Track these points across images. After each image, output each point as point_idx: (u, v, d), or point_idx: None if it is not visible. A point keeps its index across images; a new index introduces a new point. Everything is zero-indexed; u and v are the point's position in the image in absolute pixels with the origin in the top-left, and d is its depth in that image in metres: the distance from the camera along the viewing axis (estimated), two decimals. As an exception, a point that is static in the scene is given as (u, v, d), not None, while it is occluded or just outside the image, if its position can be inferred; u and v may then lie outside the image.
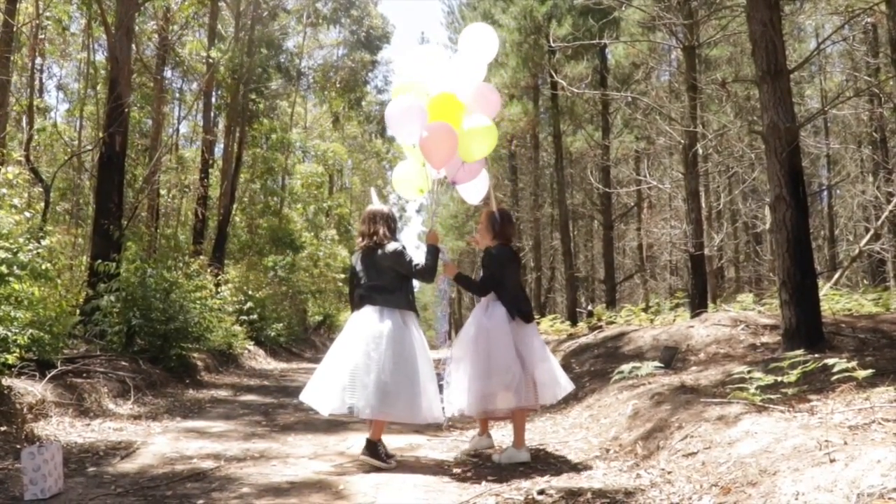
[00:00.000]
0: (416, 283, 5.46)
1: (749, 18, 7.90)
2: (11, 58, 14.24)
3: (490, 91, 5.79)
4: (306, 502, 4.23)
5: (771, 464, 3.56)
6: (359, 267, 5.32)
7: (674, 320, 13.25)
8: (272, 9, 24.81)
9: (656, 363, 7.41)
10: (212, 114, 22.60)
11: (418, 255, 5.35)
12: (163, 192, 21.78)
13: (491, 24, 21.07)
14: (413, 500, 4.24)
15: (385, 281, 5.19)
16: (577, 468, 4.92)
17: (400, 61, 5.91)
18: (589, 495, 4.05)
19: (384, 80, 38.49)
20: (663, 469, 4.38)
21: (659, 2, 14.40)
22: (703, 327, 9.35)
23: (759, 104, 8.01)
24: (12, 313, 6.47)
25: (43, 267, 6.85)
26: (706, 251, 13.72)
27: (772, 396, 4.69)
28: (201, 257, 16.31)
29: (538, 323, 19.96)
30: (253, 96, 22.71)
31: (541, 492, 4.19)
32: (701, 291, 13.34)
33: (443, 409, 5.24)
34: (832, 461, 3.22)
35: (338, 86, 32.53)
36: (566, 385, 5.40)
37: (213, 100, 22.52)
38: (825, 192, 23.85)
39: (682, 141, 13.78)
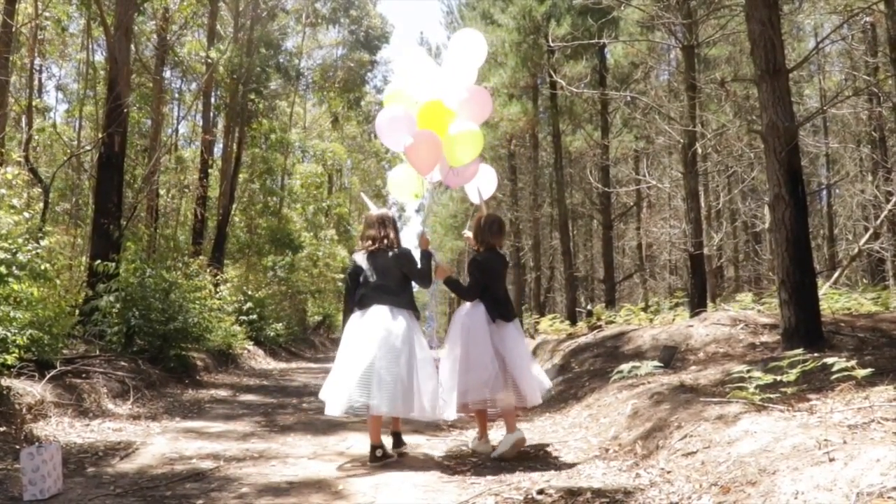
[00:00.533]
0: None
1: (748, 18, 7.90)
2: (10, 58, 14.24)
3: (479, 93, 5.89)
4: (305, 502, 4.23)
5: (770, 463, 3.56)
6: (366, 266, 5.47)
7: (673, 320, 13.25)
8: (271, 9, 24.81)
9: (656, 363, 7.42)
10: (211, 114, 22.60)
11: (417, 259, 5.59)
12: (162, 192, 21.79)
13: (490, 24, 21.19)
14: (412, 500, 4.24)
15: (392, 282, 5.39)
16: (576, 468, 4.92)
17: (394, 66, 6.08)
18: (588, 495, 4.05)
19: (383, 80, 38.50)
20: (663, 468, 4.37)
21: (658, 1, 14.39)
22: (703, 327, 9.34)
23: (758, 103, 8.01)
24: (11, 314, 6.47)
25: (42, 267, 6.85)
26: (705, 250, 13.73)
27: (771, 396, 4.69)
28: (200, 257, 16.31)
29: (538, 323, 20.05)
30: (252, 96, 22.72)
31: (540, 491, 4.19)
32: (700, 291, 13.34)
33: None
34: (831, 460, 3.22)
35: (337, 86, 32.53)
36: (545, 382, 5.69)
37: (213, 100, 22.53)
38: (824, 192, 23.85)
39: (682, 140, 13.79)
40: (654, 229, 20.02)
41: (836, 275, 15.09)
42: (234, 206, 23.01)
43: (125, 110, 12.70)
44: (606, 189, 20.10)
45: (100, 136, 13.04)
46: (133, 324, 10.40)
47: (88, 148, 17.07)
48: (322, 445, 6.20)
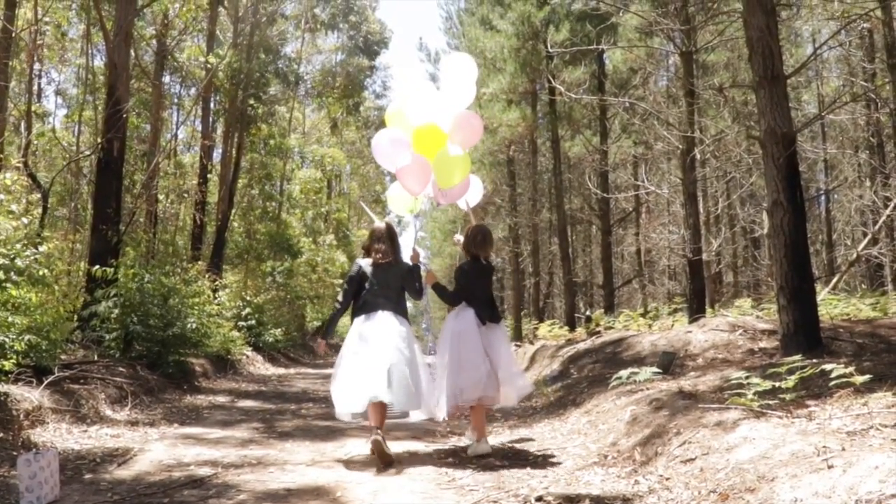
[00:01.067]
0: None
1: (746, 24, 7.92)
2: (10, 63, 14.25)
3: (471, 118, 6.32)
4: (304, 509, 4.22)
5: (769, 470, 3.55)
6: (370, 275, 5.87)
7: (672, 325, 13.25)
8: (270, 14, 24.85)
9: (654, 369, 7.40)
10: (210, 119, 22.61)
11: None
12: (161, 197, 21.78)
13: (488, 30, 21.21)
14: (411, 507, 4.24)
15: (393, 293, 5.85)
16: (575, 474, 4.91)
17: (394, 82, 6.58)
18: (587, 502, 4.05)
19: (382, 86, 38.61)
20: (661, 475, 4.37)
21: (656, 7, 14.43)
22: (702, 332, 9.34)
23: (757, 109, 8.03)
24: (9, 319, 6.46)
25: (40, 273, 6.86)
26: (704, 256, 13.73)
27: (770, 402, 4.69)
28: (199, 263, 16.30)
29: (536, 328, 20.04)
30: (251, 101, 22.73)
31: (539, 498, 4.18)
32: (699, 296, 13.34)
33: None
34: (830, 467, 3.22)
35: (336, 91, 32.57)
36: (525, 386, 6.19)
37: (212, 105, 22.54)
38: (823, 197, 23.86)
39: (680, 146, 13.80)
40: (652, 235, 20.04)
41: (834, 280, 15.10)
42: (233, 211, 23.01)
43: (124, 116, 12.71)
44: (605, 195, 20.11)
45: (99, 141, 13.04)
46: (131, 329, 10.39)
47: (87, 153, 17.07)
48: (320, 452, 6.19)
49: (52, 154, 21.02)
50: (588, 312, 21.45)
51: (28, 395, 6.68)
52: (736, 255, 25.48)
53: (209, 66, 19.78)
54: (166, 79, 23.11)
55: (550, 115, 22.04)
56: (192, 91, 24.00)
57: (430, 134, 6.04)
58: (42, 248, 7.31)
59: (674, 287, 25.97)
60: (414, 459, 5.79)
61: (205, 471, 5.26)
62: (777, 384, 4.79)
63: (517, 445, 6.29)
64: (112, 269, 10.37)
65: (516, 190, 27.12)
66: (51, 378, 7.36)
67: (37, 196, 14.01)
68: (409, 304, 6.50)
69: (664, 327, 13.17)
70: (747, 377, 5.04)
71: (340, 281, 26.96)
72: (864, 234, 17.05)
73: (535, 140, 24.61)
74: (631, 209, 25.27)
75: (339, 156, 32.75)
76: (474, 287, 5.94)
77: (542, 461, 5.50)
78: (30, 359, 7.16)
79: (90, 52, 18.90)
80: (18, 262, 6.59)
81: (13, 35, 13.62)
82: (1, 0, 13.29)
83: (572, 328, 18.75)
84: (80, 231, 17.61)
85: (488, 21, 22.33)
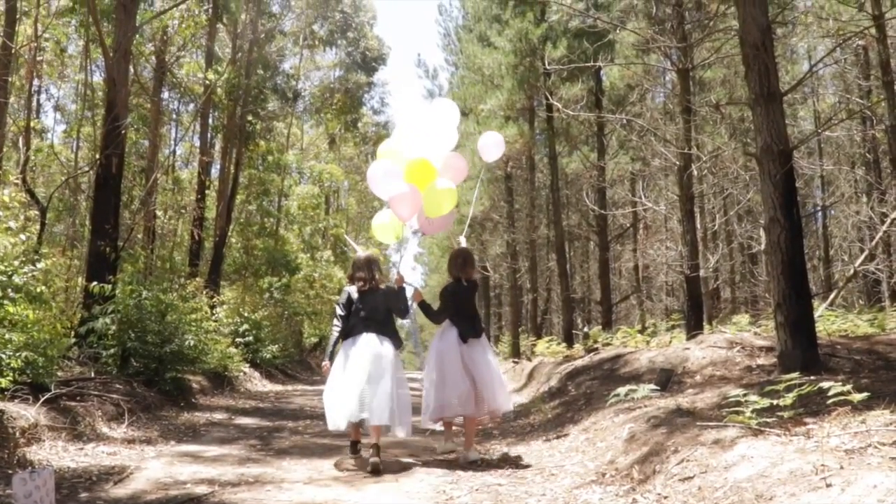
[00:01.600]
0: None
1: (742, 42, 7.96)
2: (10, 79, 14.28)
3: (458, 160, 7.04)
4: (301, 528, 4.20)
5: (767, 488, 3.55)
6: (356, 297, 6.43)
7: (670, 342, 13.24)
8: (269, 31, 24.96)
9: (652, 386, 7.40)
10: (208, 135, 22.67)
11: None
12: (159, 213, 21.79)
13: (486, 46, 21.34)
14: (408, 526, 4.22)
15: (379, 315, 6.37)
16: (573, 492, 4.90)
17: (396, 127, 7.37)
18: (585, 521, 4.03)
19: (380, 102, 38.73)
20: (659, 493, 4.36)
21: (653, 25, 14.50)
22: (699, 349, 9.34)
23: (753, 126, 8.06)
24: (6, 336, 6.45)
25: (38, 290, 6.85)
26: (702, 272, 13.74)
27: (768, 420, 4.68)
28: (197, 279, 16.28)
29: (534, 345, 20.02)
30: (250, 118, 22.79)
31: (536, 517, 4.17)
32: (696, 313, 13.33)
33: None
34: (828, 486, 3.22)
35: (334, 107, 32.64)
36: (504, 404, 6.52)
37: (210, 121, 22.59)
38: (820, 213, 23.92)
39: (678, 162, 13.84)
40: (650, 251, 20.04)
41: (832, 296, 15.11)
42: (230, 227, 23.01)
43: (123, 132, 12.74)
44: (603, 211, 20.15)
45: (97, 157, 13.06)
46: (129, 346, 10.37)
47: (86, 169, 17.09)
48: (318, 470, 6.17)
49: (51, 169, 21.04)
50: (586, 329, 21.45)
51: (24, 413, 6.66)
52: (734, 270, 25.51)
53: (208, 82, 19.86)
54: (165, 94, 23.18)
55: (548, 131, 22.13)
56: (191, 107, 24.06)
57: (421, 167, 6.60)
58: (40, 265, 7.31)
59: (671, 303, 25.97)
60: (412, 477, 5.77)
61: (202, 489, 5.23)
62: (775, 402, 4.79)
63: (515, 463, 6.27)
64: (110, 286, 10.36)
65: (514, 206, 27.20)
66: (47, 395, 7.33)
67: (34, 212, 14.00)
68: (407, 322, 7.19)
69: (662, 344, 13.17)
70: (745, 395, 5.03)
71: (338, 297, 26.88)
72: (862, 250, 17.07)
73: (532, 156, 24.70)
74: (629, 225, 25.31)
75: (337, 171, 32.78)
76: (457, 307, 6.43)
77: (540, 480, 5.49)
78: (26, 376, 7.14)
79: (89, 67, 18.94)
80: (16, 278, 6.59)
81: (13, 52, 13.67)
82: (1, 17, 13.35)
83: (570, 344, 18.75)
84: (78, 247, 17.60)
85: (486, 38, 22.46)
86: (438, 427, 6.84)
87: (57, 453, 6.38)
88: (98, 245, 11.97)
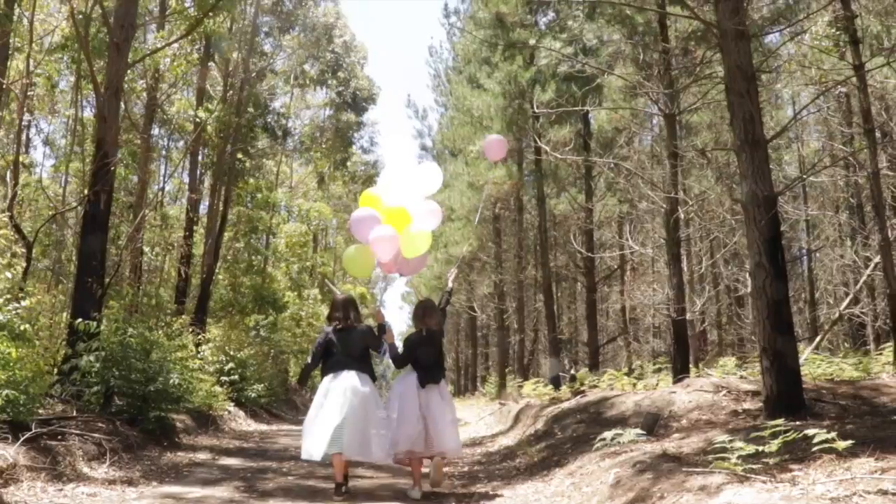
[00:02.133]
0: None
1: (727, 90, 8.11)
2: (1, 114, 14.30)
3: (435, 211, 7.53)
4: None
5: (752, 538, 3.54)
6: (335, 339, 6.89)
7: (656, 385, 13.24)
8: (261, 70, 25.16)
9: (638, 430, 7.39)
10: (198, 172, 22.69)
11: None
12: (146, 249, 21.71)
13: (476, 88, 21.56)
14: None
15: (356, 353, 6.85)
16: (558, 539, 4.86)
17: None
18: (570, 568, 4.00)
19: (370, 141, 38.94)
20: (645, 541, 4.34)
21: (640, 70, 14.72)
22: (685, 393, 9.34)
23: (739, 173, 8.17)
24: (-12, 374, 6.39)
25: (21, 328, 6.80)
26: (688, 315, 13.79)
27: (754, 466, 4.69)
28: (183, 317, 16.19)
29: (521, 386, 19.93)
30: (239, 155, 22.85)
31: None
32: (683, 356, 13.35)
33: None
34: (813, 536, 3.21)
35: (324, 146, 32.81)
36: (455, 448, 6.98)
37: (200, 158, 22.63)
38: (805, 256, 24.11)
39: (664, 206, 13.97)
40: (637, 293, 20.12)
41: (817, 339, 15.20)
42: (218, 264, 22.94)
43: (112, 169, 12.73)
44: (590, 254, 20.25)
45: (86, 193, 13.03)
46: (112, 384, 10.27)
47: (74, 205, 17.04)
48: (301, 513, 6.10)
49: (38, 203, 20.97)
50: (572, 371, 21.38)
51: (2, 452, 6.57)
52: (720, 313, 25.59)
53: (198, 119, 19.93)
54: (155, 131, 23.22)
55: (536, 173, 22.31)
56: (181, 144, 24.12)
57: (399, 213, 7.21)
58: (24, 303, 7.26)
59: (658, 345, 26.00)
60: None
61: (183, 532, 5.16)
62: (761, 448, 4.80)
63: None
64: (95, 323, 10.29)
65: (502, 247, 27.30)
66: (27, 434, 7.24)
67: (21, 249, 13.93)
68: (384, 360, 7.76)
69: (649, 386, 13.16)
70: (731, 440, 5.04)
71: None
72: (846, 294, 17.21)
73: (520, 197, 24.87)
74: (616, 267, 25.41)
75: (325, 210, 32.85)
76: (417, 354, 6.90)
77: (525, 524, 5.45)
78: (6, 414, 7.06)
79: (80, 102, 18.99)
80: (0, 316, 6.54)
81: (4, 87, 13.71)
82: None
83: (557, 386, 18.68)
84: (63, 282, 17.48)
85: (476, 80, 22.72)
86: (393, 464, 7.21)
87: (35, 494, 6.29)
88: (84, 281, 11.89)
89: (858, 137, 15.28)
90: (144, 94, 20.84)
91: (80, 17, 13.47)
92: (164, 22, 18.47)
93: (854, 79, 11.57)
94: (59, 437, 8.03)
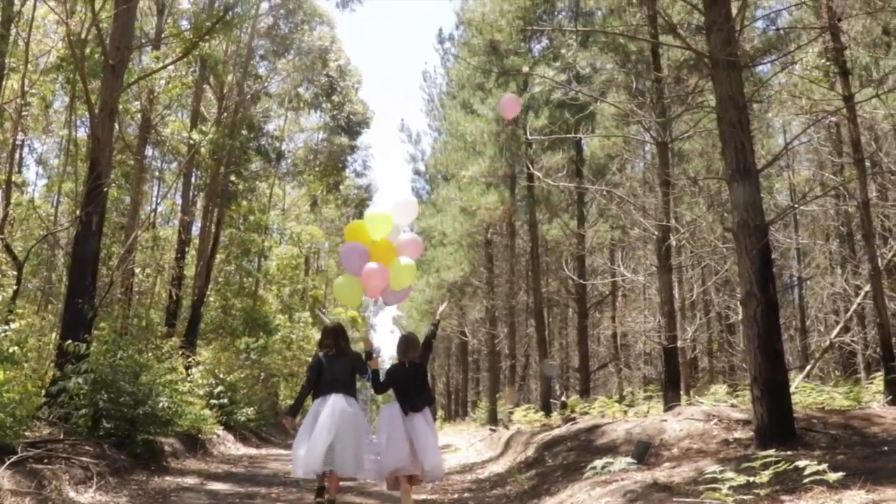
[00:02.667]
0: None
1: (719, 120, 8.18)
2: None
3: (415, 242, 8.02)
4: None
5: (743, 570, 3.52)
6: (325, 365, 7.28)
7: (647, 412, 13.22)
8: (255, 93, 25.25)
9: (629, 459, 7.36)
10: (191, 193, 22.68)
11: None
12: (137, 270, 21.64)
13: (469, 114, 21.65)
14: None
15: (345, 377, 7.27)
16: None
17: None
18: None
19: (363, 165, 39.06)
20: (636, 572, 4.31)
21: (633, 98, 14.83)
22: (677, 421, 9.32)
23: (730, 202, 8.22)
24: (-25, 397, 6.34)
25: (10, 350, 6.76)
26: (679, 343, 13.80)
27: (745, 497, 4.68)
28: (173, 339, 16.11)
29: (511, 413, 19.85)
30: (232, 178, 22.87)
31: None
32: (674, 384, 13.35)
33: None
34: (804, 570, 3.20)
35: (317, 169, 32.87)
36: (437, 472, 7.23)
37: (193, 180, 22.64)
38: (796, 284, 24.18)
39: (656, 233, 14.02)
40: (628, 320, 20.13)
41: (808, 368, 15.21)
42: (209, 286, 22.88)
43: (105, 190, 12.72)
44: (582, 281, 20.26)
45: (78, 214, 13.01)
46: (101, 406, 10.19)
47: (66, 225, 17.01)
48: (289, 540, 6.05)
49: (30, 223, 20.89)
50: (563, 398, 21.33)
51: (-10, 476, 6.50)
52: (711, 340, 25.57)
53: (192, 141, 19.96)
54: (149, 152, 23.22)
55: (528, 198, 22.36)
56: (174, 165, 24.11)
57: (385, 247, 7.62)
58: (13, 325, 7.22)
59: (649, 372, 25.95)
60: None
61: (169, 560, 5.11)
62: (752, 478, 4.79)
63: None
64: (84, 345, 10.22)
65: (494, 272, 27.28)
66: (13, 458, 7.17)
67: (11, 270, 13.88)
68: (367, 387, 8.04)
69: (639, 414, 13.14)
70: (722, 470, 5.03)
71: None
72: (837, 322, 17.24)
73: (513, 223, 24.91)
74: (607, 293, 25.42)
75: (317, 233, 32.83)
76: (398, 385, 7.23)
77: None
78: (-7, 437, 7.00)
79: (74, 122, 19.00)
80: (-11, 338, 6.51)
81: (-1, 107, 13.72)
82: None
83: (548, 413, 18.63)
84: (53, 303, 17.39)
85: (469, 105, 22.81)
86: (384, 488, 7.61)
87: (21, 519, 6.22)
88: (75, 302, 11.83)
89: (848, 167, 15.40)
90: (139, 115, 20.87)
91: (76, 38, 13.52)
92: (160, 44, 18.53)
93: (844, 109, 11.69)
94: (46, 460, 7.96)
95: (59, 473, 7.74)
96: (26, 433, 8.26)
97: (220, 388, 17.29)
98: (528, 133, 18.44)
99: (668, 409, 11.86)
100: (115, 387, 10.30)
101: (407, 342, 7.59)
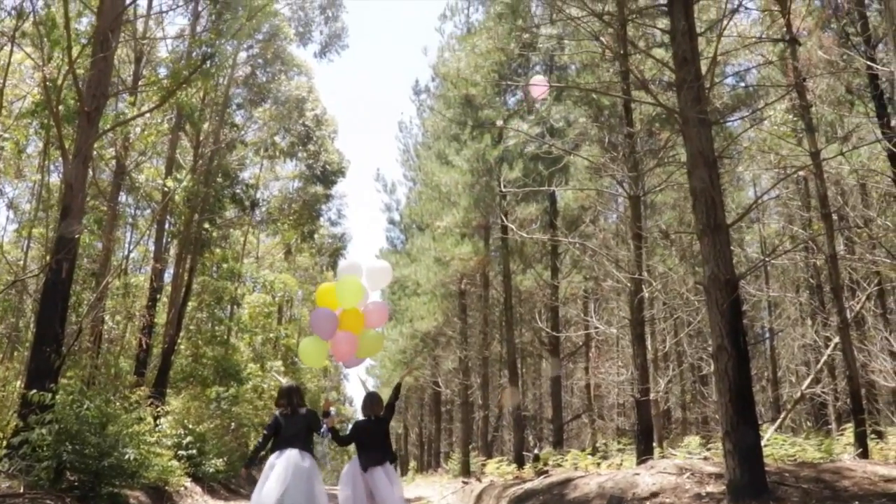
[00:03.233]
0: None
1: (690, 175, 8.32)
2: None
3: (381, 307, 8.77)
4: None
5: None
6: (283, 423, 7.77)
7: (620, 465, 13.16)
8: (231, 141, 25.30)
9: (602, 513, 7.32)
10: (164, 240, 22.54)
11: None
12: (107, 317, 21.35)
13: (444, 164, 21.83)
14: None
15: (302, 434, 7.75)
16: None
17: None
18: None
19: (338, 214, 39.05)
20: None
21: (606, 151, 15.06)
22: (649, 475, 9.29)
23: (701, 256, 8.32)
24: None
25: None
26: (652, 395, 13.82)
27: (716, 554, 4.65)
28: (142, 388, 15.85)
29: (484, 465, 19.65)
30: (206, 225, 22.79)
31: None
32: (647, 436, 13.33)
33: None
34: None
35: (291, 218, 32.86)
36: None
37: (167, 227, 22.52)
38: (767, 336, 24.38)
39: (629, 286, 14.12)
40: (601, 371, 20.17)
41: (779, 419, 15.27)
42: (180, 334, 22.62)
43: (77, 237, 12.61)
44: (555, 333, 20.30)
45: (48, 261, 12.87)
46: (65, 458, 9.95)
47: (35, 272, 16.80)
48: None
49: (-2, 267, 20.59)
50: (536, 451, 21.20)
51: (-53, 531, 6.31)
52: (684, 391, 25.64)
53: (167, 189, 19.90)
54: (122, 198, 23.10)
55: (502, 249, 22.48)
56: (148, 212, 23.99)
57: (353, 315, 8.11)
58: (-22, 374, 7.08)
59: (623, 423, 25.90)
60: None
61: None
62: (723, 535, 4.77)
63: None
64: (49, 394, 10.02)
65: (467, 322, 27.26)
66: (-27, 512, 6.97)
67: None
68: (325, 441, 8.54)
69: (613, 466, 13.09)
70: (694, 527, 5.01)
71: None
72: (808, 373, 17.38)
73: (487, 273, 24.98)
74: (581, 343, 25.48)
75: (291, 281, 32.69)
76: (360, 439, 7.85)
77: None
78: (-49, 491, 6.80)
79: (47, 167, 18.89)
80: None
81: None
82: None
83: (520, 465, 18.48)
84: (20, 350, 17.09)
85: (444, 156, 22.99)
86: None
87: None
88: (42, 350, 11.62)
89: (816, 221, 15.68)
90: (113, 161, 20.79)
91: (52, 84, 13.51)
92: (137, 91, 18.57)
93: (811, 165, 11.95)
94: (6, 514, 7.75)
95: (19, 528, 7.52)
96: (-14, 486, 8.04)
97: (189, 438, 16.99)
98: (502, 185, 18.61)
99: (640, 462, 11.82)
100: (80, 438, 10.08)
101: (372, 398, 8.28)
